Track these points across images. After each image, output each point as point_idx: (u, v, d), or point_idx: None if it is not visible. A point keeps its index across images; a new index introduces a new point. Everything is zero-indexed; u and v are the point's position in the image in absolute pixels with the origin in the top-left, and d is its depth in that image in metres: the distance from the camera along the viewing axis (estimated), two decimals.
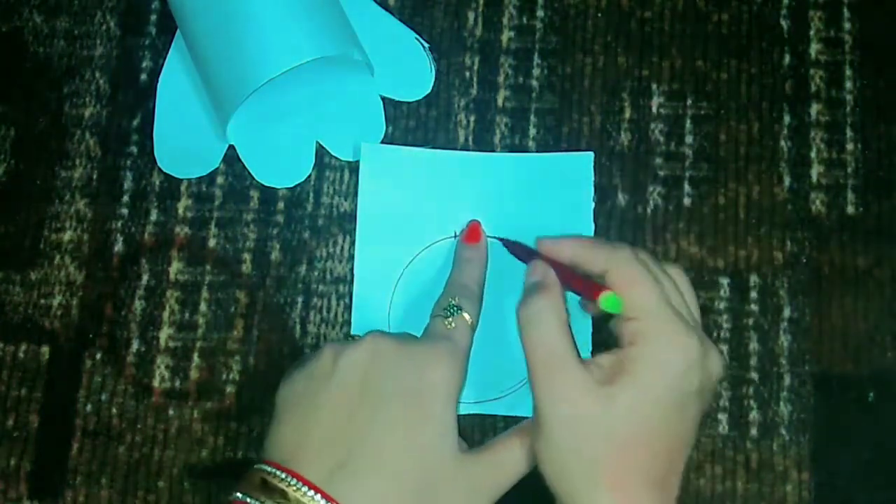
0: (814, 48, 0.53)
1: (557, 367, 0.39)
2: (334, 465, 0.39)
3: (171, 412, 0.50)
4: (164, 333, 0.51)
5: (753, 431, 0.49)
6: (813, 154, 0.52)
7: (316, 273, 0.52)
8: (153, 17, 0.55)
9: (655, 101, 0.53)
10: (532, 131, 0.53)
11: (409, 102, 0.53)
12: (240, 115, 0.50)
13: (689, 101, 0.53)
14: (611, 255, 0.41)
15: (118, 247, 0.52)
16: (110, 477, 0.50)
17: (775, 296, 0.51)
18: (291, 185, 0.52)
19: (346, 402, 0.40)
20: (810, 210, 0.52)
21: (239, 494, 0.39)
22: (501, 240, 0.49)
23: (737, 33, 0.54)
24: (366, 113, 0.53)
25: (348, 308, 0.51)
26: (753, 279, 0.51)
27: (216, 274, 0.52)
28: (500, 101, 0.53)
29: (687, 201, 0.52)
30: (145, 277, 0.52)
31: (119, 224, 0.52)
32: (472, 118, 0.53)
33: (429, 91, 0.53)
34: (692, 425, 0.40)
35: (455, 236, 0.51)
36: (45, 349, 0.51)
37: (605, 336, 0.47)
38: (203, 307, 0.51)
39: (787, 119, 0.53)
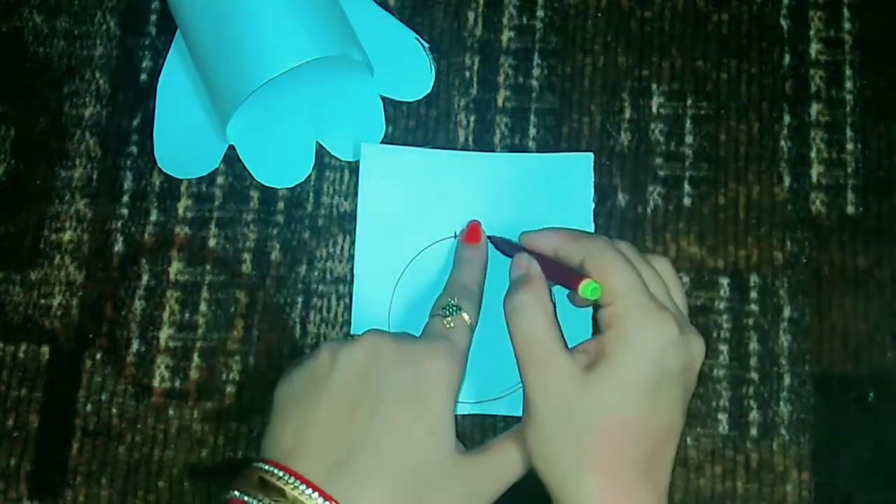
0: (814, 48, 0.53)
1: (544, 357, 0.40)
2: (333, 463, 0.39)
3: (171, 412, 0.50)
4: (164, 333, 0.51)
5: (753, 431, 0.49)
6: (813, 154, 0.52)
7: (316, 273, 0.52)
8: (153, 17, 0.55)
9: (655, 101, 0.53)
10: (532, 131, 0.53)
11: (409, 102, 0.53)
12: (240, 115, 0.50)
13: (689, 101, 0.53)
14: (587, 244, 0.42)
15: (118, 247, 0.52)
16: (110, 477, 0.50)
17: (775, 296, 0.50)
18: (291, 186, 0.52)
19: (345, 401, 0.40)
20: (810, 210, 0.52)
21: (237, 493, 0.39)
22: (489, 237, 0.49)
23: (737, 33, 0.54)
24: (366, 113, 0.53)
25: (348, 308, 0.51)
26: (753, 279, 0.51)
27: (216, 274, 0.52)
28: (500, 101, 0.53)
29: (687, 201, 0.52)
30: (145, 277, 0.52)
31: (119, 224, 0.53)
32: (472, 118, 0.53)
33: (429, 91, 0.53)
34: (673, 408, 0.40)
35: (455, 236, 0.51)
36: (45, 349, 0.51)
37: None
38: (203, 307, 0.51)
39: (787, 119, 0.53)
